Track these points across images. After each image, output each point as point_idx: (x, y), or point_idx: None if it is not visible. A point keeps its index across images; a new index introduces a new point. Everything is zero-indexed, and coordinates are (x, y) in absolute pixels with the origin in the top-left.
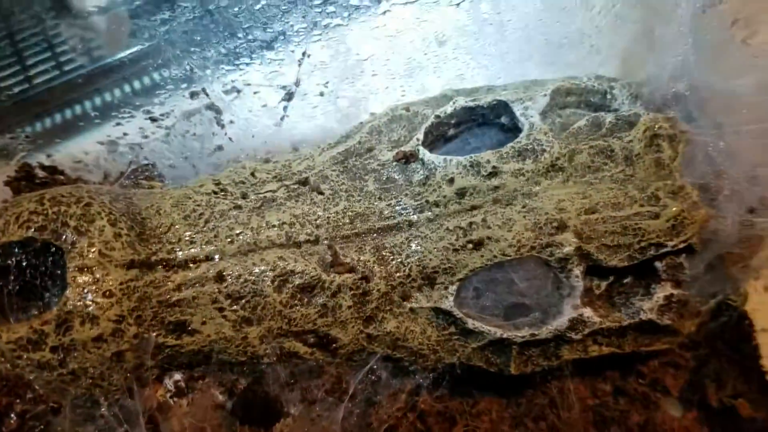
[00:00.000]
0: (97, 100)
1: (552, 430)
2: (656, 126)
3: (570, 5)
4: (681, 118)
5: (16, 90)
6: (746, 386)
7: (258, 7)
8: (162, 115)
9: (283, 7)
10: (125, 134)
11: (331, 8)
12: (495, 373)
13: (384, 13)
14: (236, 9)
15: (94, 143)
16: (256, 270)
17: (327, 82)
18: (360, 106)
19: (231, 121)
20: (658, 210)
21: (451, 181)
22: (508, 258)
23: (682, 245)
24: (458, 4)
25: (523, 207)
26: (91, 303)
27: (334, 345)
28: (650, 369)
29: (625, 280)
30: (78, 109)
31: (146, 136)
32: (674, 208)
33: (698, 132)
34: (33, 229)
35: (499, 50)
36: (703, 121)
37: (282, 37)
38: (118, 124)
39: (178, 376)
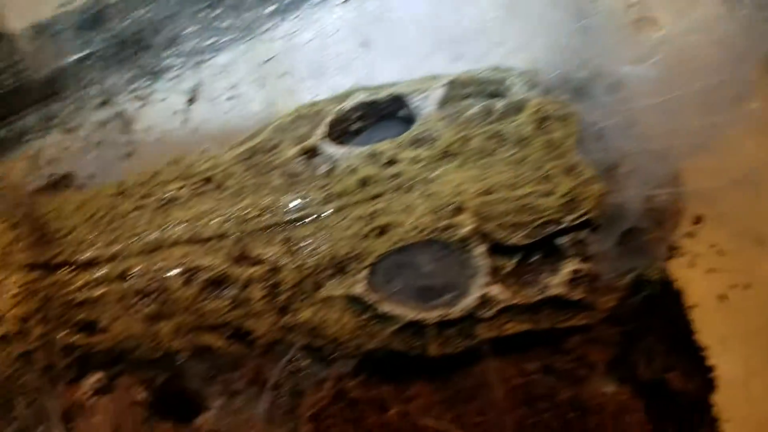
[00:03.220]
0: (17, 119)
1: (482, 411)
2: (544, 108)
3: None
4: (575, 99)
5: None
6: (676, 361)
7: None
8: (76, 126)
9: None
10: (44, 149)
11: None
12: (419, 356)
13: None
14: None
15: (14, 161)
16: (162, 267)
17: (234, 86)
18: (269, 108)
19: (140, 128)
20: (551, 188)
21: (354, 171)
22: (411, 241)
23: (578, 221)
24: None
25: (423, 192)
26: None
27: (249, 337)
28: (575, 345)
29: (533, 259)
30: None
31: (65, 148)
32: (566, 185)
33: (592, 111)
34: None
35: (403, 47)
36: (598, 101)
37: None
38: (35, 140)
39: (96, 376)
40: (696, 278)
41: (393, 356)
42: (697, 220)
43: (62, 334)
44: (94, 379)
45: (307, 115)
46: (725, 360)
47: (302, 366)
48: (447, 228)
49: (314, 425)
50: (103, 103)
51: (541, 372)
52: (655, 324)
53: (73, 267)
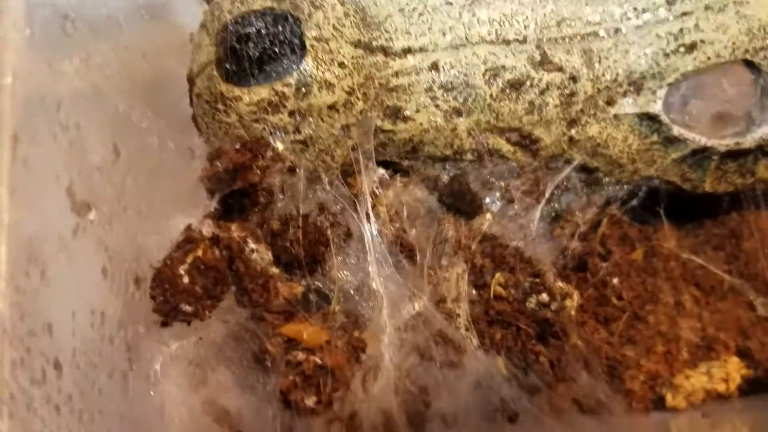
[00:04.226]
0: None
1: (731, 259)
2: None
3: None
4: None
5: None
6: None
7: None
8: None
9: None
10: None
11: None
12: (682, 197)
13: None
14: None
15: None
16: (469, 62)
17: None
18: None
19: None
20: None
21: None
22: (722, 60)
23: None
24: None
25: (736, 14)
26: (327, 71)
27: (535, 146)
28: None
29: None
30: None
31: None
32: None
33: None
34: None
35: None
36: None
37: None
38: None
39: (382, 171)
40: None
41: (659, 191)
42: None
43: (374, 115)
44: (380, 173)
45: None
46: None
47: (575, 185)
48: (761, 50)
49: (582, 245)
50: None
51: None
52: None
53: (388, 53)
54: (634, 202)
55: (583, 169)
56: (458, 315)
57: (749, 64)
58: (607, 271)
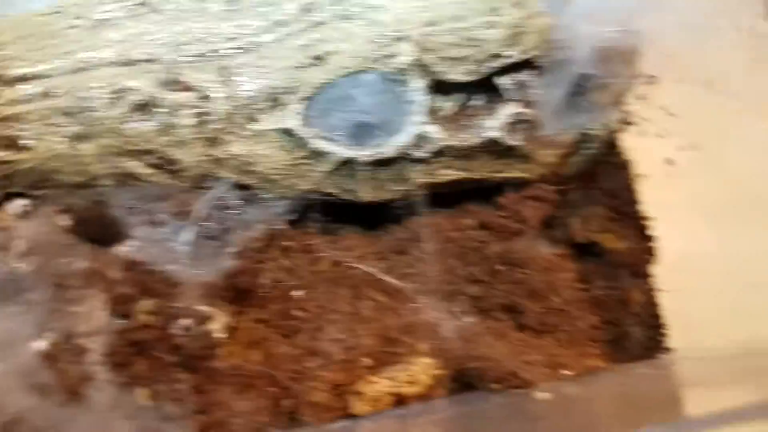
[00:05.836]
0: None
1: (415, 262)
2: None
3: None
4: None
5: None
6: (615, 226)
7: None
8: None
9: None
10: None
11: None
12: (353, 205)
13: None
14: None
15: None
16: (89, 86)
17: None
18: None
19: None
20: (497, 19)
21: None
22: (349, 70)
23: (521, 57)
24: None
25: (365, 21)
26: None
27: (175, 167)
28: (510, 201)
29: (470, 103)
30: None
31: None
32: (511, 16)
33: None
34: None
35: None
36: None
37: None
38: None
39: (19, 201)
40: (645, 145)
41: (326, 202)
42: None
43: None
44: (16, 203)
45: None
46: (668, 232)
47: (232, 204)
48: (386, 57)
49: (242, 263)
50: None
51: (474, 227)
52: (597, 187)
53: (1, 82)
54: (295, 216)
55: (239, 186)
56: (91, 350)
57: (379, 73)
58: (289, 285)
